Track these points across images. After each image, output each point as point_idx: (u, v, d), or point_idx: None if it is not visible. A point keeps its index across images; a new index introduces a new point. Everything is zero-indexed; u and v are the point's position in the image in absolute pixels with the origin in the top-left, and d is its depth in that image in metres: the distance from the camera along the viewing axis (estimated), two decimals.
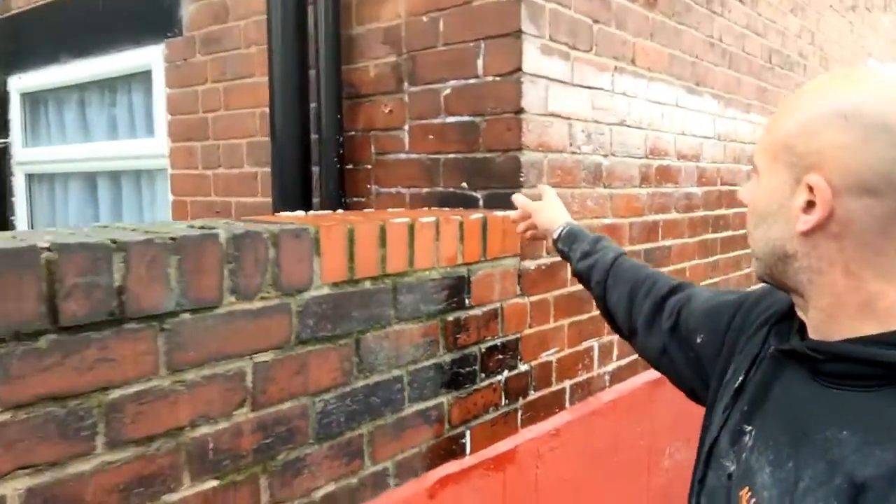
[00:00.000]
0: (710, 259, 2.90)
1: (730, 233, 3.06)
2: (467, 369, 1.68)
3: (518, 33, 1.78)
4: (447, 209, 1.88)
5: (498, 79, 1.82)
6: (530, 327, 1.89)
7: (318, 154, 2.13)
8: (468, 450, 1.71)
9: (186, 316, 1.10)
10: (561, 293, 2.01)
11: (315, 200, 2.17)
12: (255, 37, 2.37)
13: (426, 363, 1.57)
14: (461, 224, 1.62)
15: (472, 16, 1.85)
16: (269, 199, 2.38)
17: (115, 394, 1.02)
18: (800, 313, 0.84)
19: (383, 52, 2.05)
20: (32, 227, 3.53)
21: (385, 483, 1.50)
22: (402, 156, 2.04)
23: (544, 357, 1.96)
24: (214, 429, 1.16)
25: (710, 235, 2.89)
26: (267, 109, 2.34)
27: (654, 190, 2.43)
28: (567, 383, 2.07)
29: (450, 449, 1.65)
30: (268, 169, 2.37)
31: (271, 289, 1.23)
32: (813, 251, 0.76)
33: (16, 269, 0.91)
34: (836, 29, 4.36)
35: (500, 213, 1.75)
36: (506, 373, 1.81)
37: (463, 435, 1.69)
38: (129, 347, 1.03)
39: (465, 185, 1.91)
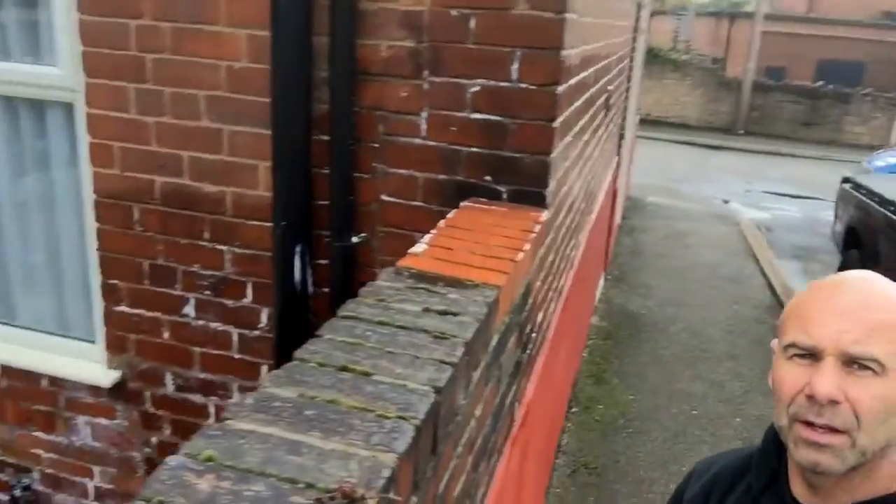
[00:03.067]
0: None
1: None
2: None
3: (558, 49, 1.95)
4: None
5: (533, 87, 1.99)
6: None
7: (329, 124, 2.10)
8: None
9: None
10: None
11: (316, 171, 2.16)
12: None
13: None
14: None
15: (509, 22, 1.95)
16: (236, 159, 2.29)
17: None
18: (818, 480, 1.00)
19: (399, 34, 2.04)
20: None
21: None
22: (418, 141, 2.12)
23: None
24: None
25: None
26: (235, 64, 2.20)
27: None
28: None
29: None
30: (236, 127, 2.26)
31: None
32: None
33: None
34: None
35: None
36: None
37: None
38: None
39: (488, 178, 2.09)
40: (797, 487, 1.04)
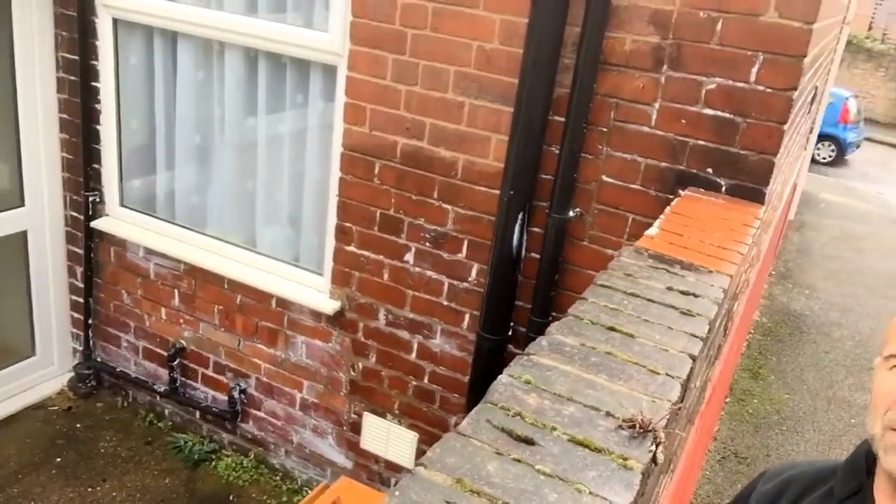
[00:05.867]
0: None
1: None
2: None
3: (802, 57, 2.04)
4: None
5: (769, 90, 2.09)
6: None
7: (566, 107, 2.31)
8: None
9: None
10: None
11: (548, 148, 2.40)
12: None
13: None
14: None
15: (756, 27, 2.06)
16: (473, 130, 2.54)
17: None
18: None
19: (646, 31, 2.20)
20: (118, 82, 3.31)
21: None
22: (646, 129, 2.28)
23: None
24: None
25: None
26: (486, 45, 2.44)
27: None
28: None
29: None
30: (478, 102, 2.51)
31: None
32: None
33: None
34: None
35: None
36: None
37: None
38: None
39: (710, 170, 2.23)
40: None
